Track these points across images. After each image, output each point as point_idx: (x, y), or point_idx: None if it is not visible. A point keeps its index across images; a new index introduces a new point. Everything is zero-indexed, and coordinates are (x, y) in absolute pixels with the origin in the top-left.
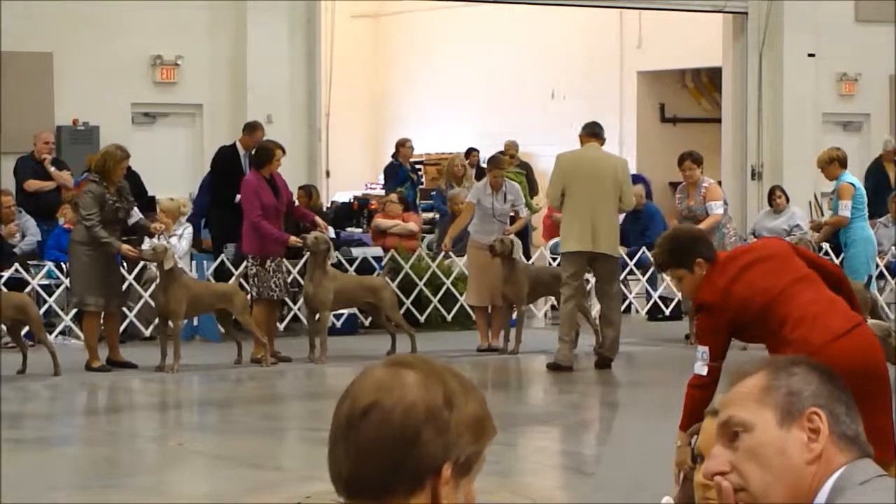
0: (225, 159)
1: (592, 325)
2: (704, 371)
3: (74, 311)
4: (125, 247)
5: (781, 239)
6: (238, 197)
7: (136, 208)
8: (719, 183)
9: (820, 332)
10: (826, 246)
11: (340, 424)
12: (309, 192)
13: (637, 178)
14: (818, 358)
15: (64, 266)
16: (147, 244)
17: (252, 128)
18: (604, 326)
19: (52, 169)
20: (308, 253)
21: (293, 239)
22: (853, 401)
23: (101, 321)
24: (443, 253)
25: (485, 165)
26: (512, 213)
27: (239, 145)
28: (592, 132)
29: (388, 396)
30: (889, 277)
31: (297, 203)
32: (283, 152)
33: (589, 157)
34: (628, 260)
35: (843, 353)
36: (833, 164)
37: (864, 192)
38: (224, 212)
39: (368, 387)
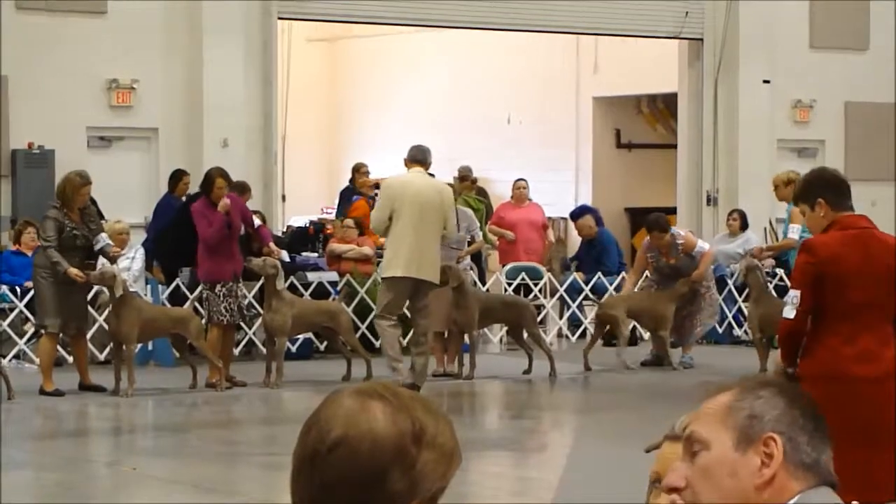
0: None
1: (546, 351)
2: (792, 315)
3: (29, 334)
4: (73, 270)
5: None
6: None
7: (103, 234)
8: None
9: (829, 363)
10: (781, 272)
11: (306, 455)
12: None
13: (585, 209)
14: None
15: (18, 290)
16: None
17: (242, 189)
18: (414, 353)
19: None
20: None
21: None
22: (822, 428)
23: (71, 346)
24: None
25: None
26: (469, 239)
27: None
28: (415, 158)
29: (355, 430)
30: None
31: (258, 224)
32: (226, 180)
33: (416, 182)
34: (584, 286)
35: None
36: (790, 186)
37: None
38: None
39: (336, 418)
